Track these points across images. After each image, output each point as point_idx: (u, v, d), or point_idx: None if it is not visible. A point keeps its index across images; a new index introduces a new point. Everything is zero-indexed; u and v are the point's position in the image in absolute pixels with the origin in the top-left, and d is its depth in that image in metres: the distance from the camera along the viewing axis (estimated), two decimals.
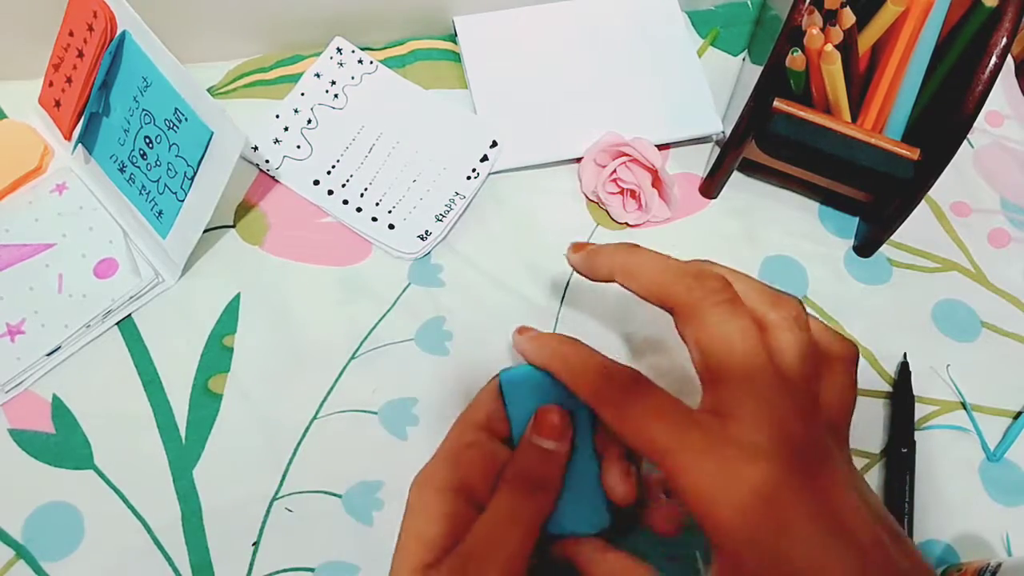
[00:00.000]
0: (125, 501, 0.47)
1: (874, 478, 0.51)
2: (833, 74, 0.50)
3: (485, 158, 0.57)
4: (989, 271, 0.58)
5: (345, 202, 0.55)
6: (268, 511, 0.47)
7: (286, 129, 0.57)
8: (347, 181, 0.56)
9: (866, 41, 0.51)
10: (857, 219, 0.59)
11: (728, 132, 0.57)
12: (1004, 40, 0.47)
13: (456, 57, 0.62)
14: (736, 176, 0.58)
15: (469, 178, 0.56)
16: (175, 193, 0.51)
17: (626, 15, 0.63)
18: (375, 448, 0.49)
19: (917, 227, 0.58)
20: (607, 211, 0.57)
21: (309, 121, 0.58)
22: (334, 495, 0.48)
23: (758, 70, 0.52)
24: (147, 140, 0.51)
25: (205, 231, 0.50)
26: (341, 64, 0.60)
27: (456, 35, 0.61)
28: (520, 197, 0.57)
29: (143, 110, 0.50)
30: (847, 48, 0.49)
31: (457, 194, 0.56)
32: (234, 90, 0.59)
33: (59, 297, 0.50)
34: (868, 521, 0.30)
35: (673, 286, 0.34)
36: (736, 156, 0.55)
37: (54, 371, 0.49)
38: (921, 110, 0.53)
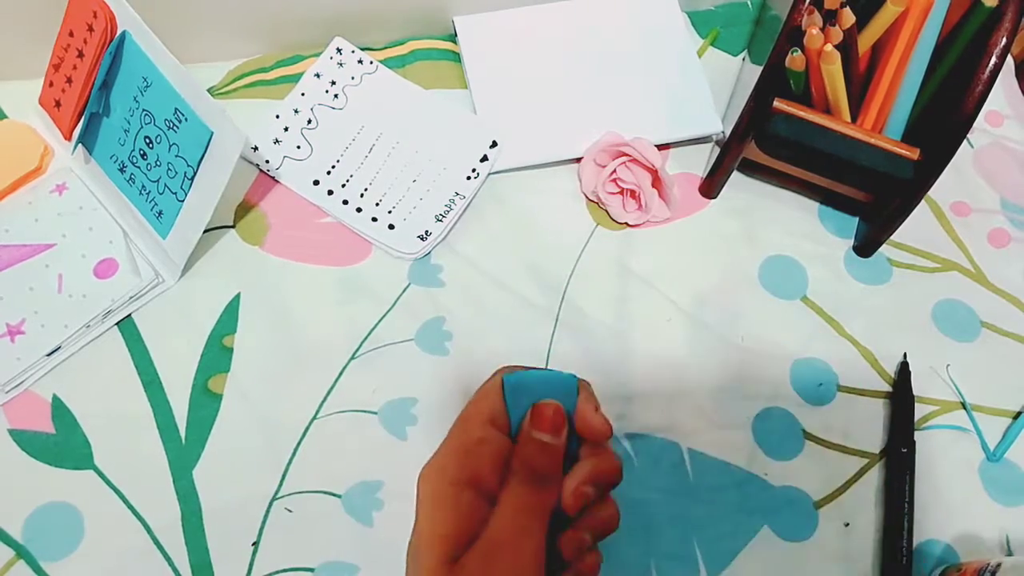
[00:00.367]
0: (125, 501, 0.47)
1: (874, 478, 0.51)
2: (833, 74, 0.50)
3: (485, 158, 0.57)
4: (989, 271, 0.58)
5: (345, 202, 0.55)
6: (268, 511, 0.47)
7: (286, 129, 0.57)
8: (347, 181, 0.56)
9: (866, 41, 0.51)
10: (857, 219, 0.59)
11: (728, 132, 0.57)
12: (1004, 40, 0.47)
13: (456, 57, 0.62)
14: (736, 176, 0.58)
15: (469, 178, 0.56)
16: (175, 193, 0.51)
17: (626, 15, 0.63)
18: (375, 448, 0.49)
19: (917, 227, 0.58)
20: (607, 211, 0.57)
21: (309, 121, 0.58)
22: (334, 495, 0.48)
23: (758, 70, 0.52)
24: (147, 140, 0.51)
25: (205, 231, 0.51)
26: (341, 64, 0.60)
27: (456, 35, 0.61)
28: (520, 197, 0.57)
29: (143, 110, 0.50)
30: (847, 48, 0.49)
31: (457, 194, 0.56)
32: (234, 90, 0.59)
33: (59, 297, 0.50)
34: None
35: None
36: (736, 156, 0.55)
37: (54, 371, 0.49)
38: (921, 110, 0.53)
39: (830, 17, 0.48)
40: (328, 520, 0.47)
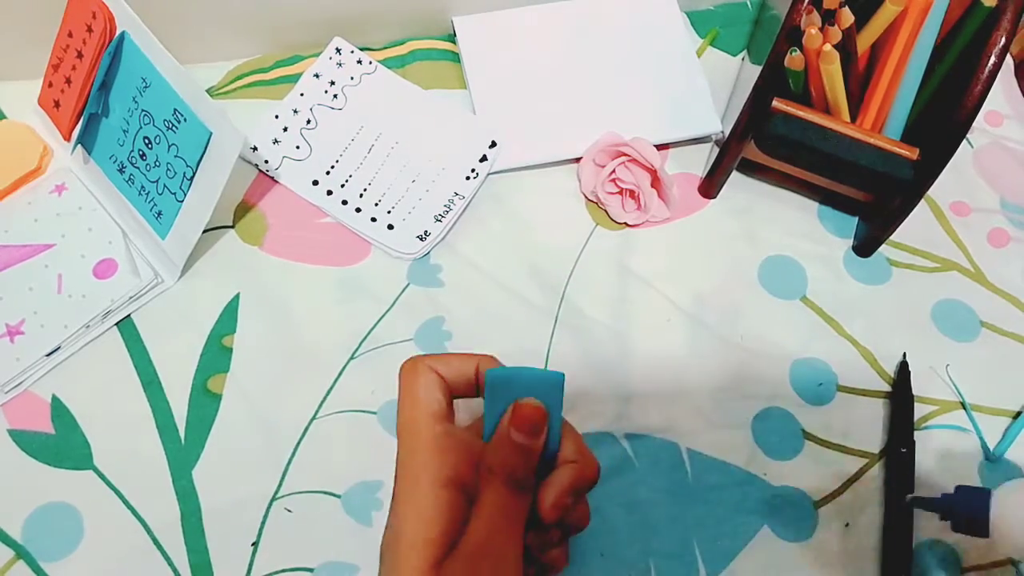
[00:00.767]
0: (124, 501, 0.47)
1: (874, 478, 0.51)
2: (832, 74, 0.50)
3: (484, 158, 0.57)
4: (988, 271, 0.58)
5: (344, 202, 0.56)
6: (267, 511, 0.47)
7: (285, 129, 0.57)
8: (346, 181, 0.56)
9: (865, 41, 0.51)
10: (856, 219, 0.59)
11: (727, 132, 0.57)
12: (1003, 40, 0.47)
13: (455, 57, 0.62)
14: (735, 176, 0.58)
15: (468, 178, 0.56)
16: (174, 193, 0.51)
17: (626, 15, 0.63)
18: (374, 448, 0.49)
19: (916, 227, 0.58)
20: (606, 211, 0.57)
21: (308, 121, 0.58)
22: (333, 495, 0.48)
23: (757, 70, 0.52)
24: (146, 141, 0.51)
25: (204, 231, 0.51)
26: (340, 64, 0.60)
27: (455, 35, 0.61)
28: (519, 197, 0.57)
29: (142, 111, 0.50)
30: (846, 48, 0.49)
31: (456, 194, 0.56)
32: (233, 91, 0.59)
33: (58, 297, 0.50)
34: None
35: None
36: (735, 156, 0.55)
37: (53, 371, 0.49)
38: (920, 110, 0.53)
39: (829, 17, 0.48)
40: (328, 520, 0.47)
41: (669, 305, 0.55)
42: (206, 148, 0.48)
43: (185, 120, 0.48)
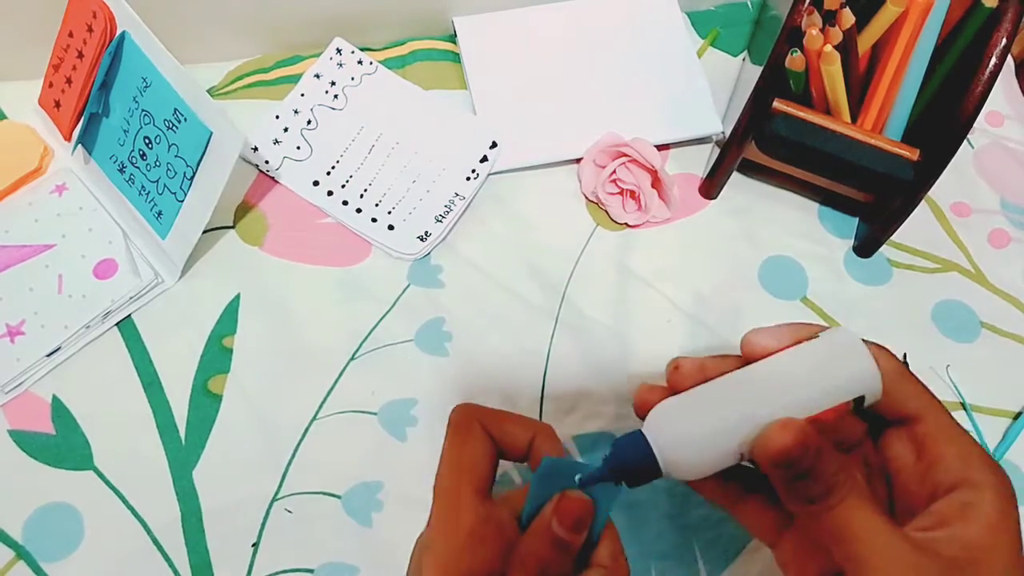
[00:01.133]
0: (125, 502, 0.47)
1: None
2: (833, 75, 0.50)
3: (485, 159, 0.57)
4: (989, 271, 0.58)
5: (345, 203, 0.55)
6: (268, 512, 0.47)
7: (286, 130, 0.57)
8: (347, 182, 0.56)
9: (866, 41, 0.51)
10: (857, 219, 0.59)
11: (728, 132, 0.57)
12: (1004, 40, 0.47)
13: (456, 57, 0.62)
14: (736, 176, 0.58)
15: (469, 179, 0.56)
16: (174, 193, 0.51)
17: (626, 16, 0.63)
18: (374, 449, 0.49)
19: (917, 227, 0.58)
20: (607, 211, 0.57)
21: (309, 122, 0.58)
22: (334, 496, 0.48)
23: (758, 70, 0.52)
24: (147, 141, 0.51)
25: (205, 232, 0.51)
26: (341, 65, 0.60)
27: (456, 35, 0.61)
28: (520, 198, 0.57)
29: (143, 111, 0.50)
30: (847, 49, 0.49)
31: (457, 195, 0.56)
32: (234, 91, 0.59)
33: (59, 298, 0.50)
34: None
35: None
36: (736, 156, 0.55)
37: (54, 372, 0.49)
38: (921, 110, 0.53)
39: (830, 17, 0.48)
40: (328, 521, 0.47)
41: (669, 305, 0.55)
42: (206, 148, 0.48)
43: (185, 120, 0.48)
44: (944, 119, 0.50)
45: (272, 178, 0.56)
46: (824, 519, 0.30)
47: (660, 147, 0.58)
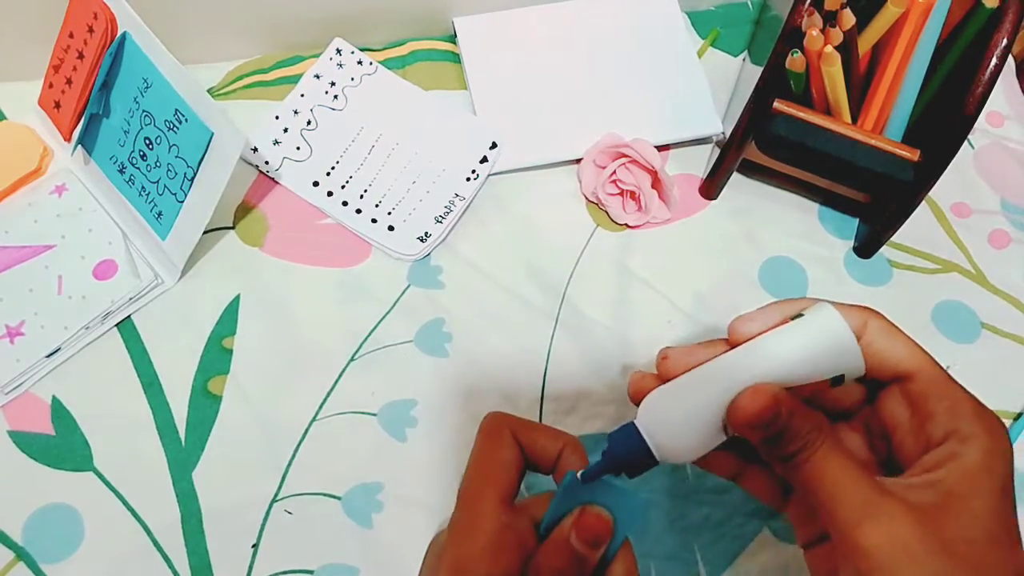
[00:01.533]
0: (125, 503, 0.47)
1: None
2: (833, 75, 0.50)
3: (485, 159, 0.57)
4: (989, 272, 0.58)
5: (345, 203, 0.55)
6: (267, 513, 0.47)
7: (285, 130, 0.57)
8: (347, 182, 0.56)
9: (866, 42, 0.51)
10: (857, 220, 0.59)
11: (728, 133, 0.57)
12: (1005, 41, 0.47)
13: (456, 58, 0.62)
14: (736, 177, 0.58)
15: (469, 179, 0.56)
16: (175, 194, 0.51)
17: (626, 16, 0.63)
18: (374, 450, 0.49)
19: (917, 228, 0.58)
20: (607, 212, 0.57)
21: (309, 122, 0.58)
22: (333, 497, 0.48)
23: (758, 71, 0.51)
24: (147, 141, 0.51)
25: (205, 232, 0.50)
26: (341, 65, 0.60)
27: (456, 36, 0.61)
28: (520, 198, 0.57)
29: (143, 111, 0.50)
30: (847, 49, 0.49)
31: (457, 195, 0.56)
32: (233, 91, 0.59)
33: (58, 299, 0.50)
34: None
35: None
36: (736, 157, 0.55)
37: (54, 373, 0.49)
38: (921, 111, 0.53)
39: (830, 18, 0.48)
40: (328, 522, 0.47)
41: (669, 306, 0.55)
42: (207, 148, 0.48)
43: (186, 120, 0.48)
44: (945, 119, 0.50)
45: (272, 179, 0.56)
46: (798, 472, 0.31)
47: (660, 148, 0.58)
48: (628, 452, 0.34)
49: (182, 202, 0.50)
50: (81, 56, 0.51)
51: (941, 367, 0.34)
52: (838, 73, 0.50)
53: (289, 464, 0.48)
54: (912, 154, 0.51)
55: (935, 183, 0.51)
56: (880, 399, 0.35)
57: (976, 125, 0.49)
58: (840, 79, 0.50)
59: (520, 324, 0.53)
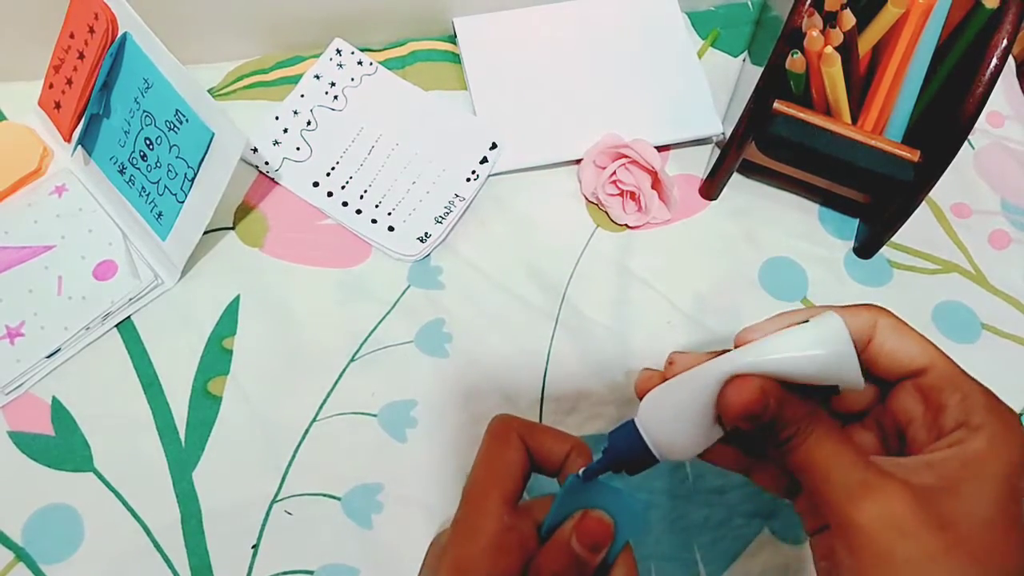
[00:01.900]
0: (125, 503, 0.47)
1: None
2: (833, 76, 0.50)
3: (485, 160, 0.57)
4: (989, 273, 0.58)
5: (345, 204, 0.55)
6: (268, 514, 0.47)
7: (285, 131, 0.57)
8: (347, 183, 0.56)
9: (866, 43, 0.51)
10: (857, 220, 0.59)
11: (728, 133, 0.57)
12: (1005, 41, 0.47)
13: (456, 58, 0.62)
14: (736, 177, 0.58)
15: (469, 180, 0.56)
16: (175, 195, 0.51)
17: (626, 16, 0.63)
18: (374, 451, 0.49)
19: (917, 228, 0.58)
20: (607, 213, 0.57)
21: (309, 123, 0.58)
22: (333, 498, 0.48)
23: (758, 71, 0.51)
24: (147, 142, 0.51)
25: (205, 233, 0.50)
26: (341, 65, 0.60)
27: (456, 36, 0.61)
28: (520, 199, 0.57)
29: (144, 112, 0.50)
30: (847, 50, 0.49)
31: (457, 196, 0.56)
32: (233, 92, 0.59)
33: (58, 299, 0.50)
34: None
35: None
36: (736, 157, 0.55)
37: (54, 373, 0.49)
38: (922, 112, 0.53)
39: (830, 19, 0.48)
40: (328, 523, 0.47)
41: (670, 307, 0.55)
42: (208, 149, 0.48)
43: (187, 121, 0.48)
44: (945, 120, 0.50)
45: (272, 179, 0.56)
46: (793, 457, 0.31)
47: (660, 148, 0.58)
48: (627, 450, 0.34)
49: (182, 202, 0.50)
50: (82, 56, 0.51)
51: (953, 361, 0.34)
52: (838, 74, 0.50)
53: (289, 465, 0.48)
54: (912, 154, 0.51)
55: (935, 183, 0.51)
56: (892, 395, 0.35)
57: (976, 125, 0.49)
58: (840, 80, 0.50)
59: (520, 324, 0.53)
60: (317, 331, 0.52)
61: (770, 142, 0.54)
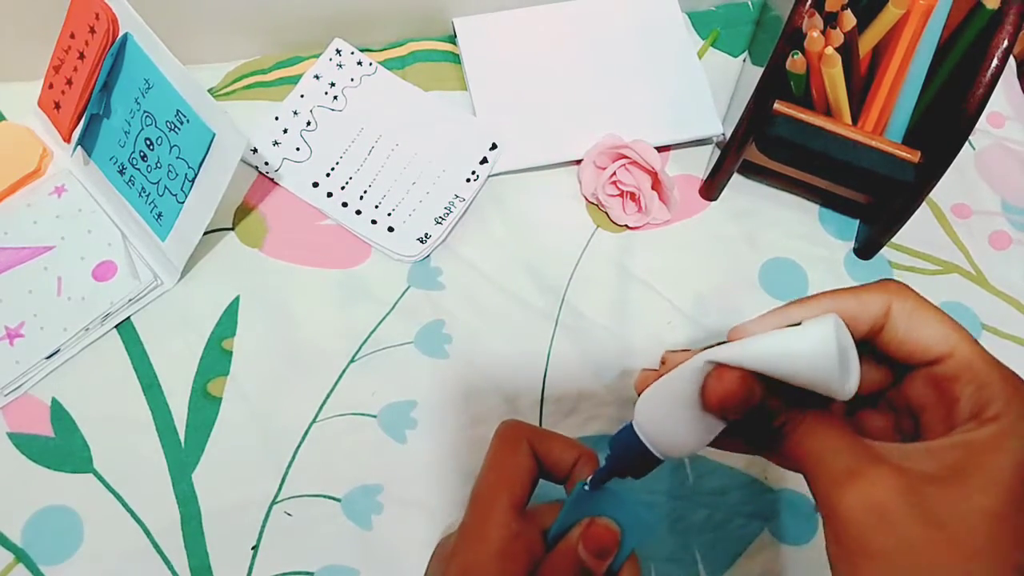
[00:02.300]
0: (124, 504, 0.47)
1: None
2: (834, 77, 0.50)
3: (485, 160, 0.57)
4: (990, 273, 0.58)
5: (344, 204, 0.55)
6: (267, 515, 0.47)
7: (285, 131, 0.57)
8: (346, 183, 0.56)
9: (867, 43, 0.51)
10: (857, 221, 0.59)
11: (728, 134, 0.57)
12: (1006, 42, 0.47)
13: (455, 58, 0.62)
14: (736, 178, 0.58)
15: (469, 180, 0.56)
16: (175, 195, 0.51)
17: (626, 16, 0.63)
18: (374, 451, 0.49)
19: (918, 229, 0.58)
20: (607, 213, 0.57)
21: (308, 123, 0.58)
22: (333, 499, 0.48)
23: (759, 71, 0.51)
24: (148, 142, 0.51)
25: (204, 234, 0.50)
26: (340, 66, 0.60)
27: (455, 36, 0.61)
28: (520, 199, 0.57)
29: (144, 112, 0.50)
30: (848, 50, 0.49)
31: (457, 196, 0.56)
32: (233, 92, 0.59)
33: (58, 300, 0.50)
34: None
35: None
36: (736, 158, 0.55)
37: (53, 374, 0.49)
38: (922, 112, 0.53)
39: (831, 19, 0.48)
40: (328, 524, 0.47)
41: (670, 307, 0.55)
42: (208, 149, 0.48)
43: (188, 121, 0.48)
44: (945, 121, 0.49)
45: (272, 180, 0.56)
46: (785, 444, 0.30)
47: (660, 149, 0.58)
48: (629, 453, 0.34)
49: (182, 203, 0.50)
50: (82, 56, 0.51)
51: (978, 346, 0.31)
52: (839, 74, 0.50)
53: (289, 466, 0.48)
54: (913, 155, 0.51)
55: (936, 184, 0.51)
56: (906, 382, 0.33)
57: (977, 126, 0.49)
58: (841, 80, 0.50)
59: (520, 325, 0.53)
60: (317, 332, 0.52)
61: (770, 143, 0.53)
